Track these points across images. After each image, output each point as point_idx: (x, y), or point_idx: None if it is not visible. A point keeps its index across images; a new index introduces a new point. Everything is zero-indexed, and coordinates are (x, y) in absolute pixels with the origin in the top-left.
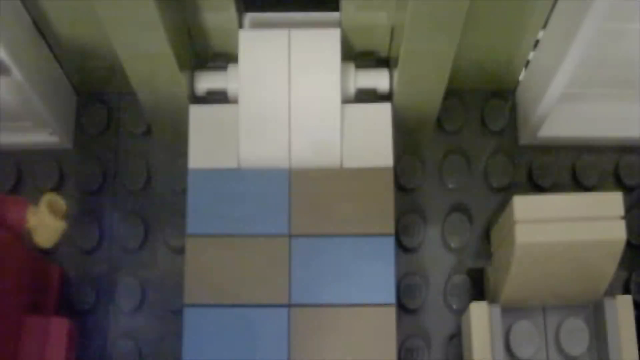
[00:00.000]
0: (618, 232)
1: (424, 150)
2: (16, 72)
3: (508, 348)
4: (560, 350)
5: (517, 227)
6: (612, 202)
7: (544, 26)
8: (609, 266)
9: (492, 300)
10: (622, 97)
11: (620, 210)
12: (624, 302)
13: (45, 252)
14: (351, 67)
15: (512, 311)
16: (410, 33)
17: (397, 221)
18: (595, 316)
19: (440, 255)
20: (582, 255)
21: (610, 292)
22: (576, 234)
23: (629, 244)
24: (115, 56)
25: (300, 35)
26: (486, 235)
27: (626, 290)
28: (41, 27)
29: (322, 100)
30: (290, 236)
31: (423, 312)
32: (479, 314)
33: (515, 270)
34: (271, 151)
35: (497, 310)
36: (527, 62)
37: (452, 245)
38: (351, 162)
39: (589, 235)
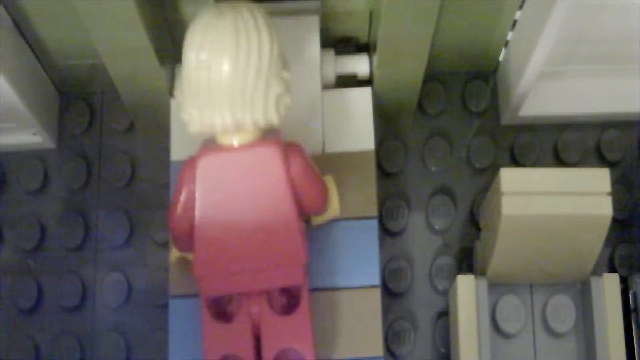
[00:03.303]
0: (604, 208)
1: (406, 134)
2: None
3: (494, 323)
4: (546, 327)
5: (503, 199)
6: (599, 177)
7: (521, 6)
8: (595, 243)
9: (480, 275)
10: (601, 73)
11: (607, 187)
12: (611, 281)
13: None
14: (331, 53)
15: (500, 287)
16: (387, 16)
17: (381, 205)
18: (582, 294)
19: (424, 237)
20: (568, 230)
21: (596, 268)
22: (562, 207)
23: (612, 219)
24: (97, 54)
25: (279, 24)
26: (470, 216)
27: (611, 266)
28: (22, 28)
29: (303, 87)
30: None
31: (409, 295)
32: (466, 286)
33: (501, 242)
34: None
35: (483, 283)
36: (507, 43)
37: (437, 227)
38: (333, 147)
39: (575, 209)
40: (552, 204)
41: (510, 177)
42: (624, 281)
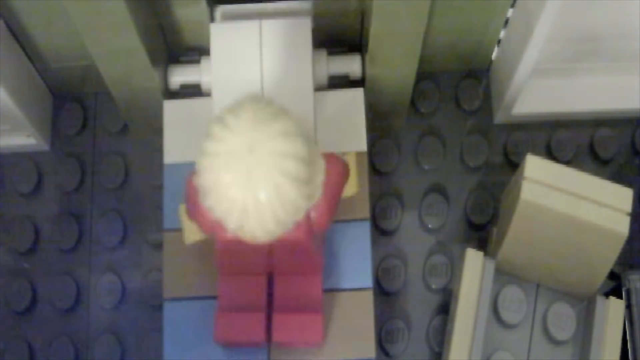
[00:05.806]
0: (622, 226)
1: (399, 133)
2: None
3: (495, 309)
4: (545, 329)
5: (524, 183)
6: (623, 195)
7: (513, 4)
8: (605, 260)
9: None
10: (593, 70)
11: (629, 207)
12: (616, 306)
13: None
14: (323, 54)
15: (507, 277)
16: (378, 16)
17: (375, 205)
18: (586, 311)
19: (418, 236)
20: (581, 236)
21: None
22: (579, 211)
23: None
24: (90, 56)
25: (271, 25)
26: (464, 215)
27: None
28: (15, 30)
29: (295, 89)
30: None
31: (403, 294)
32: (473, 261)
33: (514, 228)
34: None
35: (491, 263)
36: (499, 41)
37: (430, 226)
38: (326, 148)
39: (592, 217)
40: (570, 203)
41: (535, 165)
42: (617, 278)
